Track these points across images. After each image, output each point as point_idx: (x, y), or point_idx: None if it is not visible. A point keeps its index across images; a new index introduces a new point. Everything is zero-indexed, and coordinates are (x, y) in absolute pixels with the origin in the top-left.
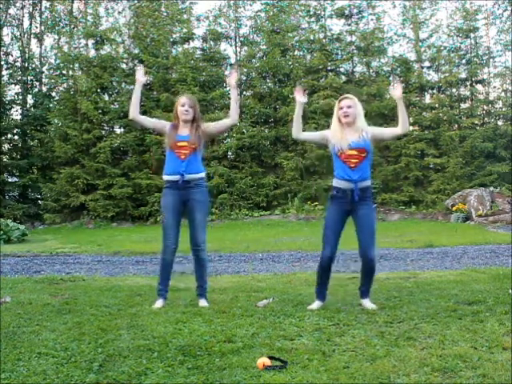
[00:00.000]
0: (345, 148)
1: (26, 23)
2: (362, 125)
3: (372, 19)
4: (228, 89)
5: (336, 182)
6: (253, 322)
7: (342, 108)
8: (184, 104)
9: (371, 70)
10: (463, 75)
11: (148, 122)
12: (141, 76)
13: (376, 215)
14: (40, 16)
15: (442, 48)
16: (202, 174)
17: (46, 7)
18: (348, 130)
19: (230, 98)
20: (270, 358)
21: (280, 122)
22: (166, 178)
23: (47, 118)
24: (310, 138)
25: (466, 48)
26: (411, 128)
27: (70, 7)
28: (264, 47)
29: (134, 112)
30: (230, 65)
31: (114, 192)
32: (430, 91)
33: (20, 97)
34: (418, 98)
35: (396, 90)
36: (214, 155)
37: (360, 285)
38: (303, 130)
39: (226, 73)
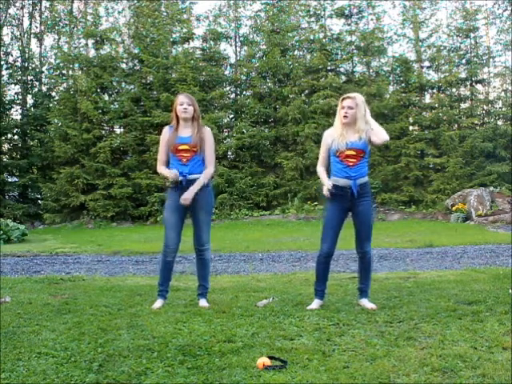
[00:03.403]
0: (342, 148)
1: (26, 23)
2: (363, 126)
3: (372, 19)
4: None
5: (334, 180)
6: (253, 321)
7: (343, 108)
8: (182, 103)
9: (371, 70)
10: (463, 75)
11: (166, 156)
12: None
13: (373, 211)
14: (40, 16)
15: (442, 48)
16: None
17: (45, 7)
18: (348, 130)
19: (229, 98)
20: (270, 357)
21: (280, 121)
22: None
23: (47, 118)
24: (327, 158)
25: (466, 48)
26: (411, 128)
27: (70, 7)
28: (264, 47)
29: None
30: (231, 65)
31: (113, 192)
32: (430, 91)
33: (20, 97)
34: (417, 98)
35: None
36: None
37: (359, 283)
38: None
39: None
